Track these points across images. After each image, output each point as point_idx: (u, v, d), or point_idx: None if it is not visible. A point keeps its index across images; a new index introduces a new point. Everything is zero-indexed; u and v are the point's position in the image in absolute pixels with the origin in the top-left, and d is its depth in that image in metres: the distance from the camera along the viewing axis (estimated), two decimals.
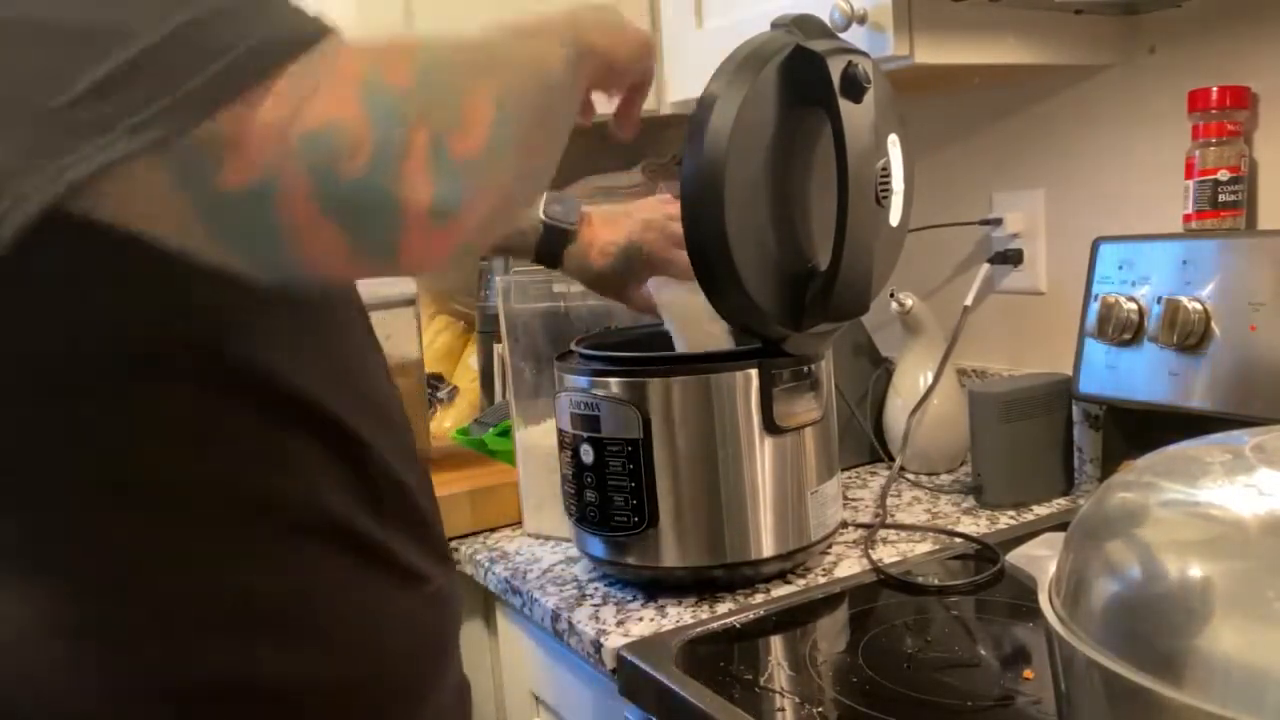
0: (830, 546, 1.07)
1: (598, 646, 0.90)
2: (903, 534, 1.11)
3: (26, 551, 0.56)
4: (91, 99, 0.43)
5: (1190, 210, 1.06)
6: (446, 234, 0.51)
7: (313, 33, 0.48)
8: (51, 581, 0.56)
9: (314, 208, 0.47)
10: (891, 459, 1.31)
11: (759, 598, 0.96)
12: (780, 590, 0.97)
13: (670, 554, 0.96)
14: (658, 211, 1.04)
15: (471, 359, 1.75)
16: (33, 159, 0.44)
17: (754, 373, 0.95)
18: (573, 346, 1.05)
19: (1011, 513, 1.15)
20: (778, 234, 0.91)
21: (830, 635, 0.89)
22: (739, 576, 0.98)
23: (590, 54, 0.68)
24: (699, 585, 0.98)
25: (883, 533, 1.11)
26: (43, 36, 0.45)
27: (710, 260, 0.89)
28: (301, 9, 0.49)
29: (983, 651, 0.83)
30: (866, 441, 1.36)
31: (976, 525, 1.12)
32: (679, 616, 0.93)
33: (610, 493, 0.96)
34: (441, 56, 0.53)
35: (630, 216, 1.04)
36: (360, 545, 0.63)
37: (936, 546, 1.06)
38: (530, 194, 0.61)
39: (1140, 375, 1.04)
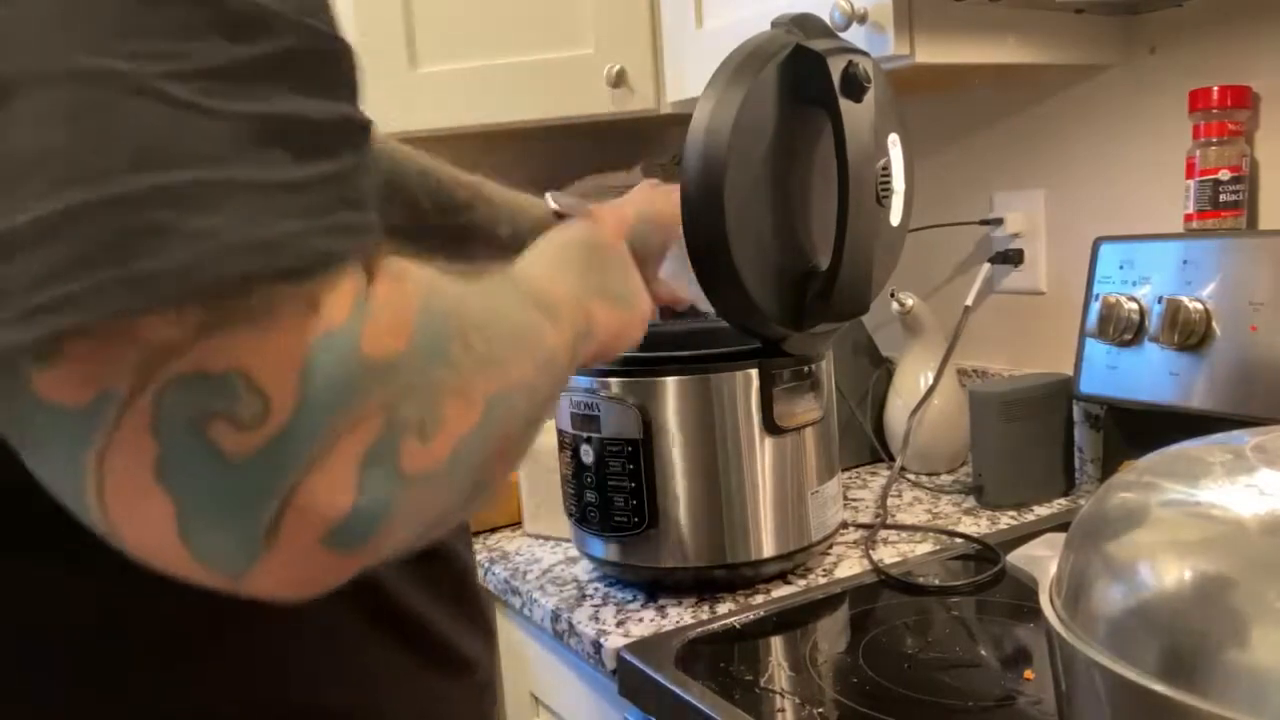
0: (831, 547, 1.07)
1: (598, 647, 0.90)
2: (903, 534, 1.10)
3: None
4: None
5: (1191, 210, 1.06)
6: (343, 560, 0.37)
7: (321, 254, 0.36)
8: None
9: (145, 471, 0.34)
10: (892, 459, 1.31)
11: (759, 598, 0.96)
12: (780, 591, 0.97)
13: (670, 554, 0.96)
14: (652, 197, 1.03)
15: None
16: None
17: (754, 373, 0.95)
18: None
19: (1012, 513, 1.15)
20: (778, 234, 0.91)
21: (831, 636, 0.88)
22: (739, 577, 0.98)
23: (593, 338, 0.62)
24: (699, 586, 0.98)
25: (883, 533, 1.11)
26: None
27: (710, 260, 0.89)
28: (353, 213, 0.38)
29: (983, 652, 0.83)
30: (867, 442, 1.36)
31: (977, 525, 1.11)
32: (679, 617, 0.93)
33: (610, 493, 0.96)
34: (453, 328, 0.41)
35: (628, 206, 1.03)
36: (424, 640, 0.58)
37: (937, 547, 1.06)
38: (480, 505, 0.48)
39: (1141, 375, 1.04)
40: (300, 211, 0.36)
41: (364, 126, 0.40)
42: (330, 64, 0.39)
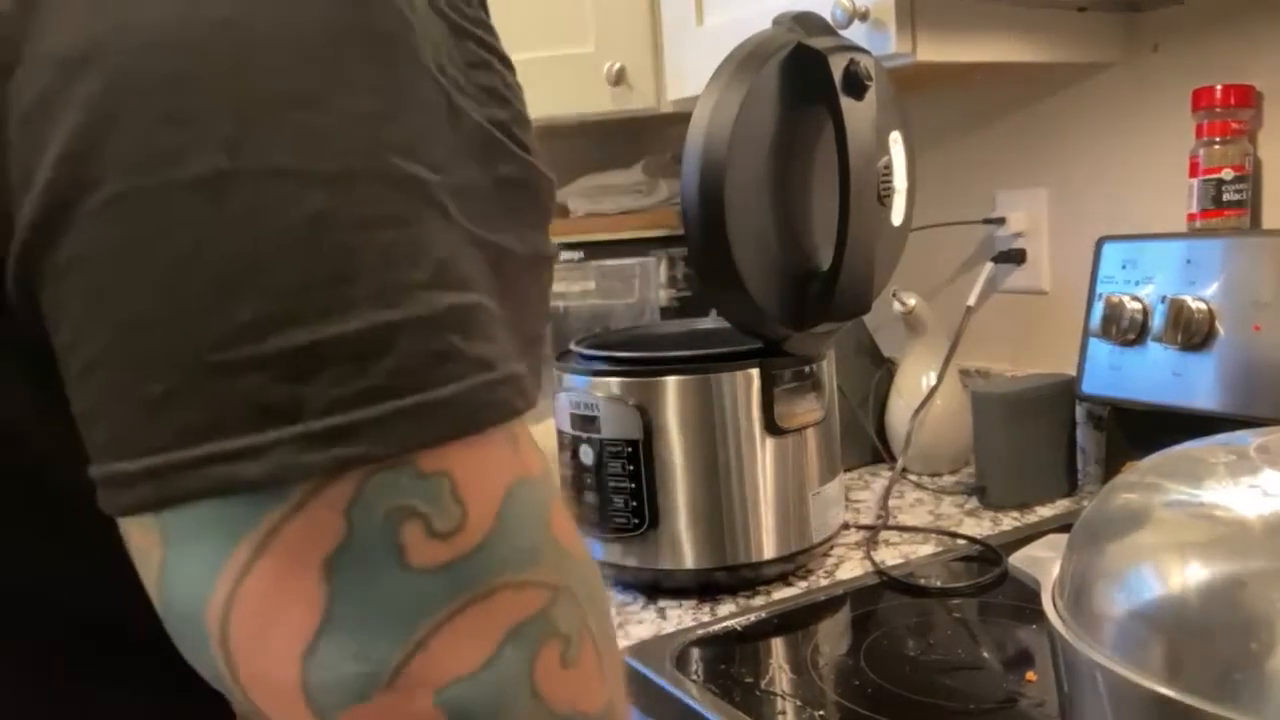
0: (832, 548, 1.06)
1: None
2: (905, 535, 1.10)
3: None
4: (271, 366, 0.31)
5: (1194, 209, 1.06)
6: None
7: (514, 406, 0.35)
8: None
9: (316, 557, 0.32)
10: (894, 460, 1.30)
11: (760, 600, 0.95)
12: (781, 592, 0.97)
13: (670, 556, 0.95)
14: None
15: None
16: (182, 429, 0.31)
17: (755, 373, 0.94)
18: (572, 346, 1.05)
19: (1014, 514, 1.14)
20: (779, 233, 0.91)
21: (832, 638, 0.88)
22: (740, 578, 0.97)
23: None
24: (699, 587, 0.97)
25: (885, 534, 1.10)
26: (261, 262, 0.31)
27: (711, 260, 0.88)
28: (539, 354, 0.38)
29: (985, 654, 0.83)
30: (869, 442, 1.35)
31: (979, 527, 1.11)
32: (679, 619, 0.93)
33: (610, 494, 0.95)
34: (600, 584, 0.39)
35: None
36: None
37: (939, 548, 1.06)
38: None
39: (1144, 375, 1.03)
40: (518, 352, 0.35)
41: (550, 260, 0.40)
42: (535, 196, 0.39)
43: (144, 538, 0.34)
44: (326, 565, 0.32)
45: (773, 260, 0.91)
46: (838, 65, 0.86)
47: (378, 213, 0.32)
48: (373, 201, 0.32)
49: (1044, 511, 1.15)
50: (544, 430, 1.19)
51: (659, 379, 0.93)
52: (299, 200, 0.31)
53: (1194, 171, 1.06)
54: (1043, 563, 0.56)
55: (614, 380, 0.95)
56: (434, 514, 0.32)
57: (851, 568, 1.02)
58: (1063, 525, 0.88)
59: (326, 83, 0.33)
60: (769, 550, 0.96)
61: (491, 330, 0.34)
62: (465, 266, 0.34)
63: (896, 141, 0.96)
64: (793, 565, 0.99)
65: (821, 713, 0.75)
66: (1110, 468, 1.14)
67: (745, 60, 0.88)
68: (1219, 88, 1.04)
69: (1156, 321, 1.01)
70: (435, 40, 0.36)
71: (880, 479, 1.31)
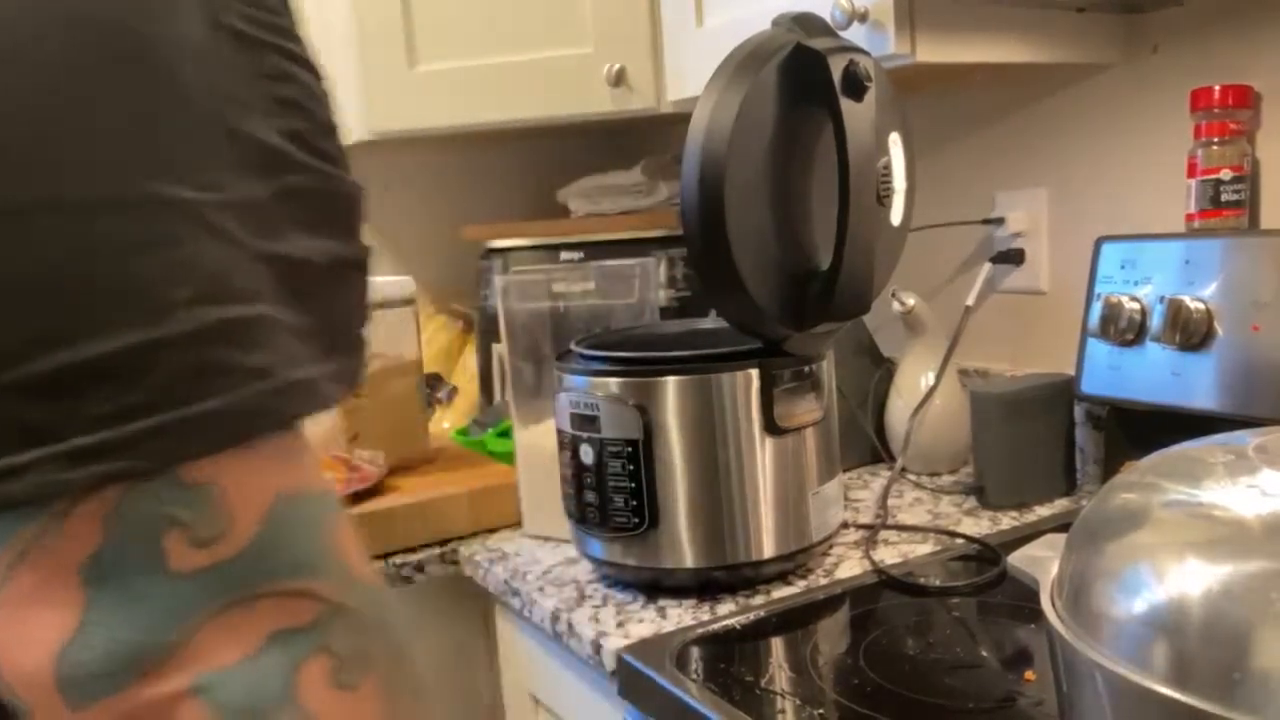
0: (831, 547, 1.06)
1: (597, 648, 0.90)
2: (904, 535, 1.10)
3: None
4: (34, 389, 0.31)
5: (1193, 210, 1.06)
6: None
7: (322, 401, 0.37)
8: None
9: (70, 565, 0.33)
10: (893, 459, 1.30)
11: (759, 599, 0.95)
12: (781, 591, 0.97)
13: (670, 555, 0.95)
14: None
15: (470, 359, 1.75)
16: None
17: (755, 373, 0.94)
18: (572, 346, 1.05)
19: (1013, 513, 1.15)
20: (778, 233, 0.91)
21: (831, 637, 0.88)
22: (739, 577, 0.97)
23: None
24: (699, 586, 0.97)
25: (884, 534, 1.11)
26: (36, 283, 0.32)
27: (711, 260, 0.88)
28: (341, 360, 0.39)
29: (984, 653, 0.83)
30: (868, 442, 1.35)
31: (978, 526, 1.11)
32: (679, 618, 0.93)
33: (610, 493, 0.95)
34: (396, 617, 0.39)
35: None
36: None
37: (938, 547, 1.06)
38: None
39: (1142, 375, 1.04)
40: (310, 357, 0.36)
41: (358, 264, 0.40)
42: (333, 204, 0.39)
43: None
44: (83, 571, 0.32)
45: (773, 260, 0.91)
46: (837, 66, 0.86)
47: (140, 237, 0.33)
48: (135, 226, 0.33)
49: (1043, 511, 1.15)
50: (544, 430, 1.20)
51: (659, 379, 0.94)
52: (60, 229, 0.32)
53: (1192, 172, 1.06)
54: (1041, 562, 0.56)
55: (614, 380, 0.95)
56: (197, 522, 0.33)
57: (851, 567, 1.02)
58: (1061, 525, 0.89)
59: (88, 109, 0.33)
60: (768, 549, 0.96)
61: (274, 339, 0.35)
62: (244, 280, 0.34)
63: (896, 142, 0.96)
64: (792, 564, 0.99)
65: (821, 711, 0.75)
66: (1109, 467, 1.14)
67: (745, 61, 0.88)
68: (1217, 88, 1.04)
69: (1155, 321, 1.01)
70: (209, 56, 0.36)
71: (879, 479, 1.31)
